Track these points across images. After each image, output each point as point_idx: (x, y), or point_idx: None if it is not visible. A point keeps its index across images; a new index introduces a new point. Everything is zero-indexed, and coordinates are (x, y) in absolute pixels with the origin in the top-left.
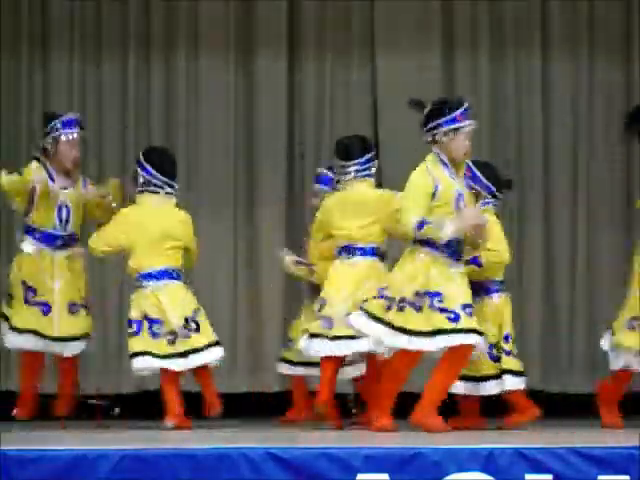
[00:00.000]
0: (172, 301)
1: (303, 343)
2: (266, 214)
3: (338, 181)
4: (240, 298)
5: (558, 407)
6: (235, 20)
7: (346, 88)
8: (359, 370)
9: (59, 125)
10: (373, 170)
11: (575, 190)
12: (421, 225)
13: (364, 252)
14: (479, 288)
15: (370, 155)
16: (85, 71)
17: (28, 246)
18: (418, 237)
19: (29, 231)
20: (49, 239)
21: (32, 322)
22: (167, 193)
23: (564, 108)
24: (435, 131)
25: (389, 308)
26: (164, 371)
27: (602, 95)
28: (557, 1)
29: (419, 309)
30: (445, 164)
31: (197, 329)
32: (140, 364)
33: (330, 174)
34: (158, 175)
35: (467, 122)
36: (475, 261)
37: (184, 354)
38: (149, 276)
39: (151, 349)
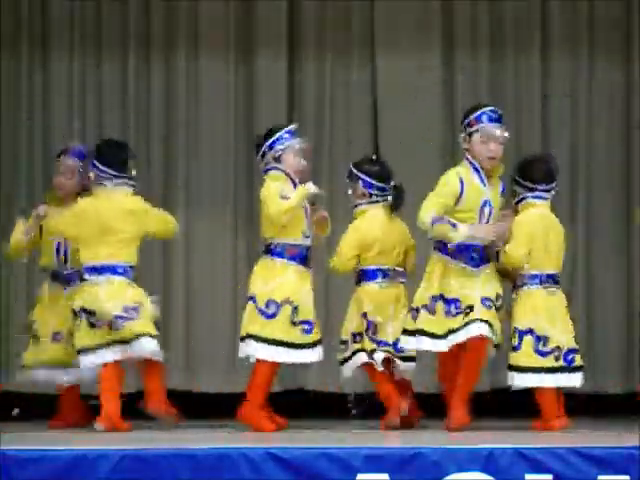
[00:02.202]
0: (108, 293)
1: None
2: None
3: None
4: (240, 298)
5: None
6: (235, 20)
7: (346, 88)
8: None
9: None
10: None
11: (575, 190)
12: (435, 221)
13: None
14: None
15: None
16: (85, 71)
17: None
18: (430, 236)
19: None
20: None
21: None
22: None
23: (564, 108)
24: (462, 136)
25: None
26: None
27: (602, 95)
28: (557, 1)
29: (433, 313)
30: (476, 170)
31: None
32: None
33: None
34: (106, 169)
35: (480, 125)
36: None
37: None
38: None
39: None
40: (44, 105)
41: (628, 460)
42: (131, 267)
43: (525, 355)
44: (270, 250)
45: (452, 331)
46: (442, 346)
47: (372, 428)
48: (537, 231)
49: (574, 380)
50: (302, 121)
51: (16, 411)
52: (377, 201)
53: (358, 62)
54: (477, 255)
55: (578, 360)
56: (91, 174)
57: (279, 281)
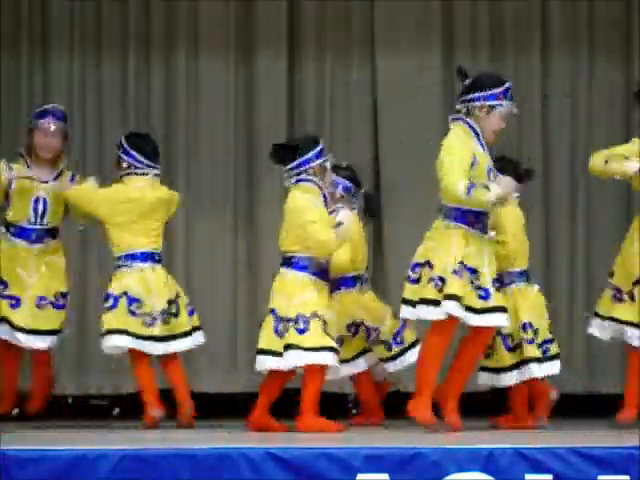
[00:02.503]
0: (157, 282)
1: None
2: (266, 214)
3: None
4: (240, 298)
5: (558, 407)
6: (235, 20)
7: (346, 88)
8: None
9: (34, 117)
10: None
11: (575, 190)
12: (470, 189)
13: None
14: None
15: None
16: (85, 71)
17: (4, 241)
18: (465, 202)
19: (7, 226)
20: (23, 233)
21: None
22: (155, 175)
23: (564, 108)
24: (471, 104)
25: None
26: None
27: (602, 95)
28: (557, 1)
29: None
30: (477, 135)
31: (177, 314)
32: (115, 342)
33: None
34: (142, 159)
35: (505, 102)
36: None
37: (163, 339)
38: (133, 257)
39: (128, 327)
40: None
41: (628, 460)
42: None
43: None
44: (292, 264)
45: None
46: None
47: (372, 428)
48: (519, 224)
49: (550, 369)
50: (302, 121)
51: (17, 411)
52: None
53: (358, 62)
54: (486, 221)
55: (553, 349)
56: (124, 163)
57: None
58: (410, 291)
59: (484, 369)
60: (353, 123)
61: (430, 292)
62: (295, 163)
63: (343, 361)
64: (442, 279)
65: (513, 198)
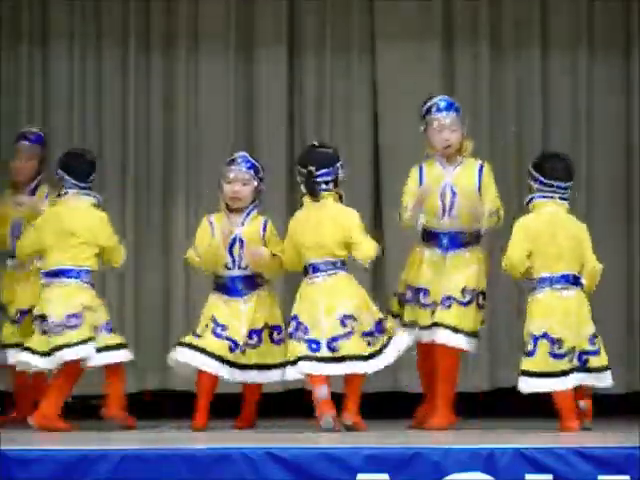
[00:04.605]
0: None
1: None
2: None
3: None
4: None
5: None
6: (235, 20)
7: (346, 88)
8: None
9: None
10: None
11: (575, 190)
12: (409, 214)
13: None
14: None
15: None
16: (85, 71)
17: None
18: (402, 225)
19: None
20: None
21: None
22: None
23: (564, 108)
24: (422, 131)
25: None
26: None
27: (602, 95)
28: (557, 1)
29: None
30: (436, 156)
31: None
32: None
33: None
34: (68, 178)
35: (430, 116)
36: None
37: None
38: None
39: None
40: (44, 105)
41: (628, 460)
42: (87, 271)
43: (540, 359)
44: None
45: (422, 327)
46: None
47: (372, 428)
48: (540, 232)
49: (590, 380)
50: (302, 121)
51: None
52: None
53: (358, 62)
54: (447, 240)
55: (593, 361)
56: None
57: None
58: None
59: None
60: (353, 123)
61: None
62: (337, 172)
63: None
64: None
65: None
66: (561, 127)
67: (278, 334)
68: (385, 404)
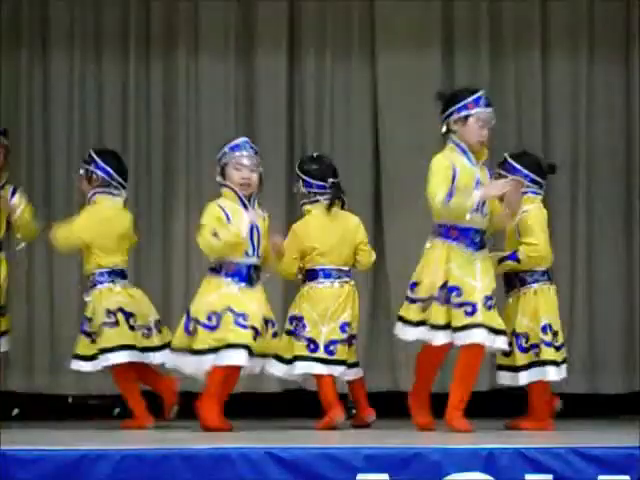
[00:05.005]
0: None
1: None
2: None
3: None
4: None
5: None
6: (235, 20)
7: (346, 88)
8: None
9: None
10: None
11: (575, 190)
12: (449, 198)
13: None
14: (515, 279)
15: None
16: (85, 71)
17: None
18: (444, 216)
19: None
20: None
21: None
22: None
23: (564, 108)
24: (448, 120)
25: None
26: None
27: (602, 95)
28: (557, 1)
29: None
30: (464, 151)
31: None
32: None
33: None
34: (116, 176)
35: (478, 109)
36: (513, 257)
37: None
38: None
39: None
40: (44, 105)
41: (628, 460)
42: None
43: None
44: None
45: (455, 329)
46: (444, 339)
47: (372, 428)
48: (544, 223)
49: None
50: (302, 121)
51: (16, 411)
52: (317, 200)
53: (358, 62)
54: (477, 238)
55: (565, 353)
56: (94, 176)
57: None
58: (405, 310)
59: (500, 367)
60: (353, 123)
61: (415, 314)
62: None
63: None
64: (424, 301)
65: (508, 189)
66: (561, 127)
67: (272, 327)
68: (385, 404)
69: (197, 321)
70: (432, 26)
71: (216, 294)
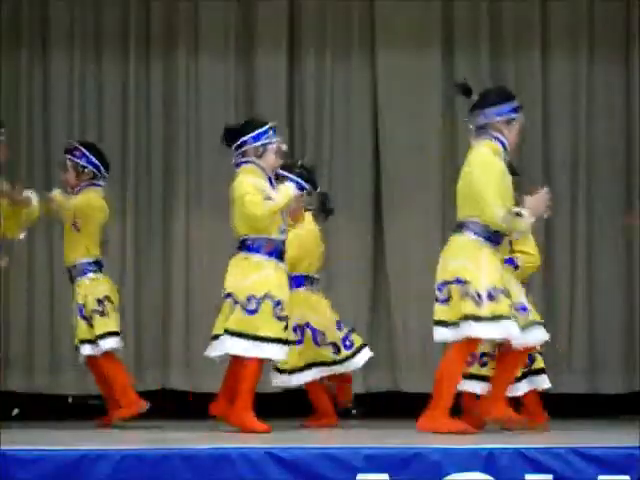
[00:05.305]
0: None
1: None
2: None
3: None
4: None
5: (558, 407)
6: (235, 20)
7: (346, 88)
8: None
9: None
10: None
11: (575, 190)
12: (506, 215)
13: None
14: None
15: None
16: (85, 71)
17: None
18: (499, 228)
19: None
20: None
21: None
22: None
23: (564, 108)
24: (496, 118)
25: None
26: None
27: (602, 95)
28: (557, 1)
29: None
30: (505, 149)
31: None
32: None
33: None
34: (103, 170)
35: (521, 117)
36: (511, 262)
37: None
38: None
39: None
40: (44, 105)
41: (628, 460)
42: None
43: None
44: (247, 246)
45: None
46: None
47: (372, 428)
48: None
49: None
50: (302, 121)
51: (16, 411)
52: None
53: (358, 62)
54: (504, 241)
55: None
56: (86, 170)
57: (257, 276)
58: (441, 311)
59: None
60: (353, 123)
61: (471, 308)
62: (234, 145)
63: (295, 370)
64: (480, 295)
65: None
66: (561, 127)
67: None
68: (385, 404)
69: (235, 300)
70: (432, 26)
71: (257, 275)
